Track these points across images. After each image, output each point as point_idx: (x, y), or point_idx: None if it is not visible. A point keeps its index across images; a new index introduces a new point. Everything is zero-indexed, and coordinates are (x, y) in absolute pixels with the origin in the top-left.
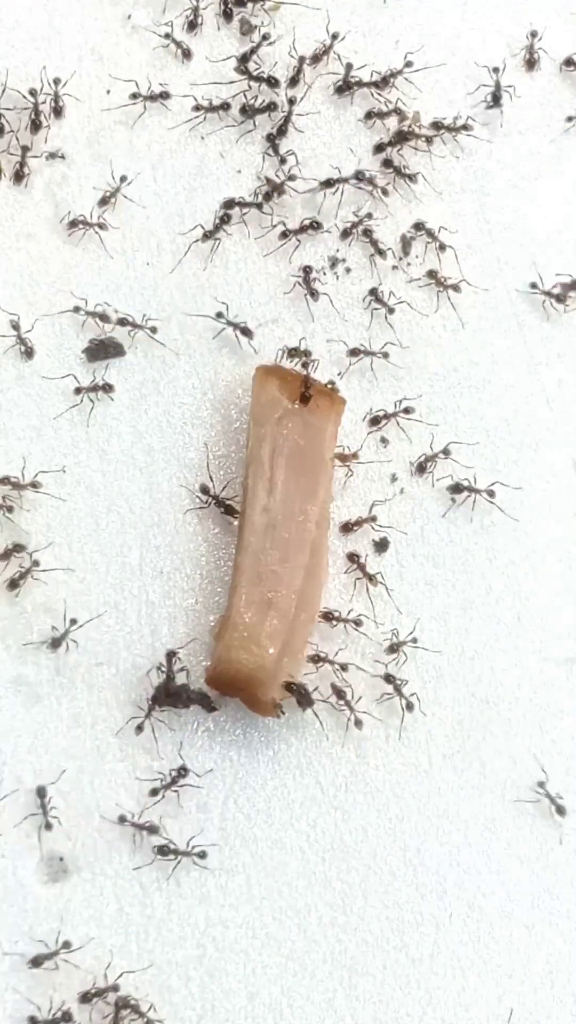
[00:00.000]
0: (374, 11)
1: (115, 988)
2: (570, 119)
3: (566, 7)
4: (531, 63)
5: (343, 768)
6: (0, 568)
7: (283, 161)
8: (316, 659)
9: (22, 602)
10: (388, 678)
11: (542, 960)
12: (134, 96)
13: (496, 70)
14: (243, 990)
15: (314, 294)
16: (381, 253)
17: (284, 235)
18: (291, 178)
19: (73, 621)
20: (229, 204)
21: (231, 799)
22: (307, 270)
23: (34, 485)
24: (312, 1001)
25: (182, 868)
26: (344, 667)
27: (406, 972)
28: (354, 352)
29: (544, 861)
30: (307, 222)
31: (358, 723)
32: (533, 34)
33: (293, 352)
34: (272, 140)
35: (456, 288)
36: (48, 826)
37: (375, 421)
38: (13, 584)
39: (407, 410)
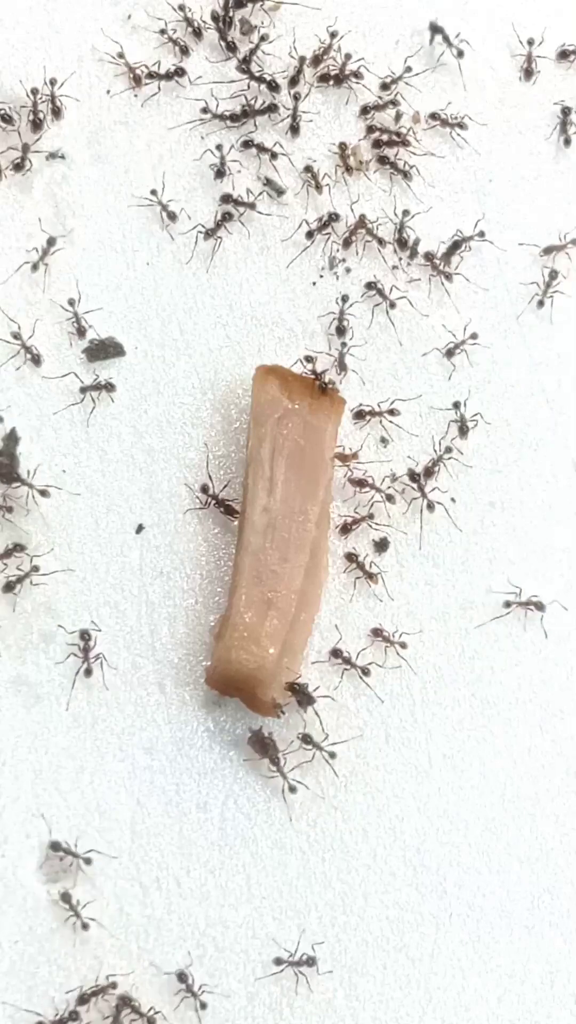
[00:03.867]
0: (374, 11)
1: (115, 988)
2: (566, 111)
3: (566, 6)
4: (529, 64)
5: (343, 768)
6: (0, 568)
7: (274, 156)
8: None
9: (22, 602)
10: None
11: (542, 960)
12: (151, 75)
13: (531, 42)
14: (243, 990)
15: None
16: (381, 242)
17: (310, 235)
18: (314, 172)
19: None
20: (226, 199)
21: (231, 799)
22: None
23: (29, 485)
24: (312, 1001)
25: (181, 868)
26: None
27: (406, 972)
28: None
29: (544, 861)
30: (333, 218)
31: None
32: (531, 40)
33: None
34: (250, 145)
35: (449, 277)
36: (88, 672)
37: (359, 415)
38: (9, 586)
39: (392, 411)
